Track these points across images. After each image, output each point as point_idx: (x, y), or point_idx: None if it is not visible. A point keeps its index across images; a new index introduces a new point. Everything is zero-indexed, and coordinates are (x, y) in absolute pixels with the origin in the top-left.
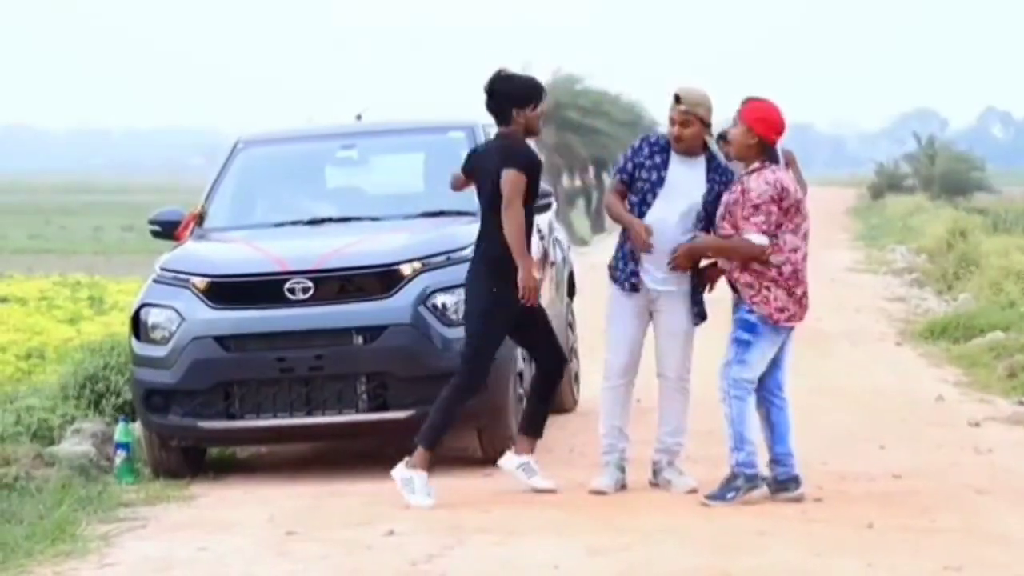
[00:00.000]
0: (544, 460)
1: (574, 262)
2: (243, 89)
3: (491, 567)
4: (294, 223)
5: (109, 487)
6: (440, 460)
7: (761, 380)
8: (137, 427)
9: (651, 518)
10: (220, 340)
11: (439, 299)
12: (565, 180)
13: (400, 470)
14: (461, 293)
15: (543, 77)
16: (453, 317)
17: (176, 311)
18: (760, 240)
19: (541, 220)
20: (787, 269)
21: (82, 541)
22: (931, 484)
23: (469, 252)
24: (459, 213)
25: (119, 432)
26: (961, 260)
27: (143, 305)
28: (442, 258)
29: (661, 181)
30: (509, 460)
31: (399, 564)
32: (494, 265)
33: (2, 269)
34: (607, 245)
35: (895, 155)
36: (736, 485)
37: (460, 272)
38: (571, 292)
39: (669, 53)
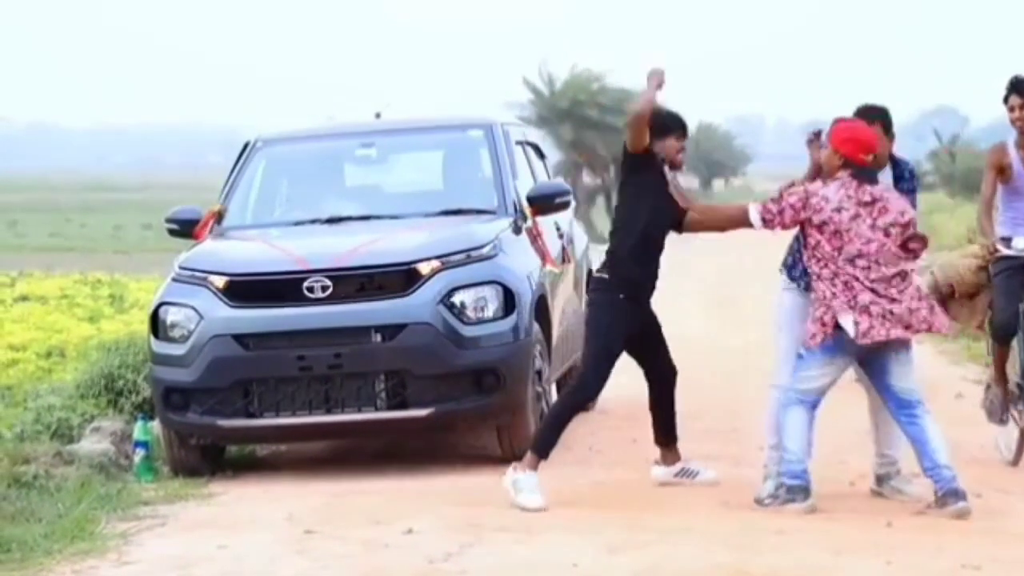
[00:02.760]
0: (563, 459)
1: (594, 261)
2: (265, 86)
3: (510, 565)
4: (313, 221)
5: (128, 485)
6: (458, 459)
7: (885, 398)
8: (156, 425)
9: (670, 517)
10: (239, 338)
11: (458, 297)
12: (585, 178)
13: (508, 475)
14: (480, 291)
15: (560, 74)
16: (472, 315)
17: (195, 309)
18: (754, 216)
19: (560, 218)
20: (838, 283)
21: (101, 539)
22: None
23: (488, 250)
24: (478, 211)
25: (138, 430)
26: None
27: (162, 303)
28: (461, 256)
29: None
30: (664, 472)
31: (418, 562)
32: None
33: (23, 267)
34: None
35: (916, 153)
36: (775, 493)
37: (479, 270)
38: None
39: (690, 47)
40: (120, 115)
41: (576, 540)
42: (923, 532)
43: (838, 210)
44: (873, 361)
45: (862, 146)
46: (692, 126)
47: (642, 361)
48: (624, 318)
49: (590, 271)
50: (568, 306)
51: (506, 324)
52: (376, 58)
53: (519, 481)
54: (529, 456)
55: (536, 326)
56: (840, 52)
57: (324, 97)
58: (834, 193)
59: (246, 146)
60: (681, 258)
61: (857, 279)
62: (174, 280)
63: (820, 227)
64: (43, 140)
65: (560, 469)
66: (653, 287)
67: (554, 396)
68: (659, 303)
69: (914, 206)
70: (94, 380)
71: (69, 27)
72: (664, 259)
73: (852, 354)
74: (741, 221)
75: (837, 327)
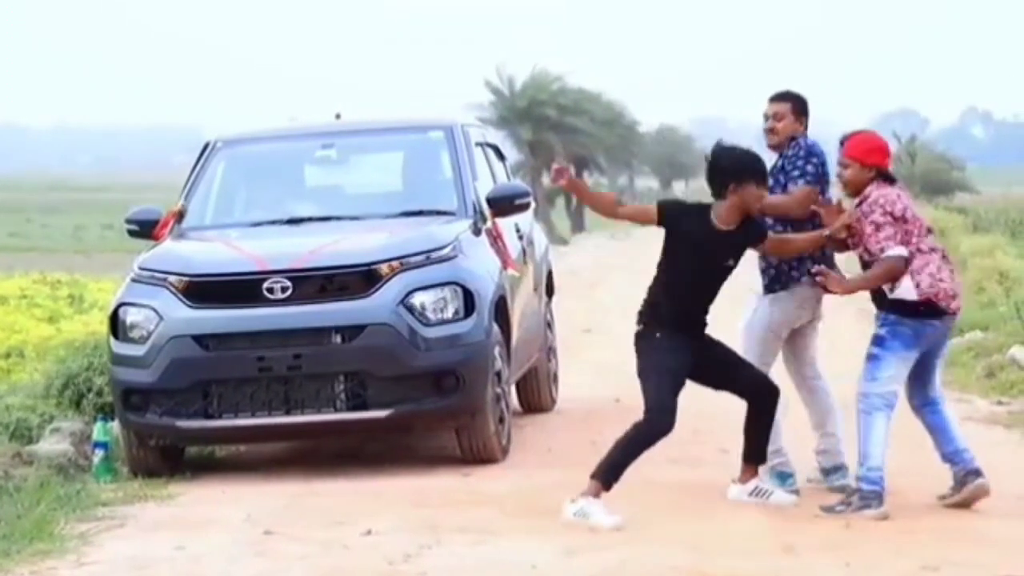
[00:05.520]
0: (521, 460)
1: (554, 262)
2: (230, 87)
3: (469, 567)
4: (273, 222)
5: (87, 486)
6: (418, 460)
7: (910, 393)
8: (115, 426)
9: (629, 519)
10: (199, 339)
11: (418, 299)
12: (545, 179)
13: (568, 507)
14: (439, 292)
15: (520, 75)
16: (431, 317)
17: (154, 310)
18: (899, 251)
19: (520, 220)
20: (932, 266)
21: (60, 540)
22: (909, 484)
23: (447, 251)
24: (438, 212)
25: (97, 431)
26: None
27: (121, 304)
28: (421, 257)
29: None
30: (738, 491)
31: (377, 563)
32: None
33: None
34: (586, 245)
35: None
36: (848, 500)
37: (439, 272)
38: (550, 292)
39: (650, 55)
40: (84, 115)
41: (535, 542)
42: (881, 533)
43: (899, 197)
44: (928, 351)
45: (885, 151)
46: (654, 128)
47: (724, 388)
48: (672, 352)
49: (549, 272)
50: (528, 308)
51: (466, 325)
52: (348, 53)
53: (585, 507)
54: (591, 483)
55: (496, 327)
56: (801, 54)
57: (290, 94)
58: (888, 189)
59: (206, 147)
60: (645, 263)
61: (934, 249)
62: (133, 281)
63: (904, 217)
64: (6, 140)
65: (518, 470)
66: (698, 322)
67: (513, 397)
68: (620, 306)
69: (823, 193)
70: (55, 381)
71: (30, 27)
72: (629, 264)
73: (926, 344)
74: (901, 266)
75: (914, 313)
